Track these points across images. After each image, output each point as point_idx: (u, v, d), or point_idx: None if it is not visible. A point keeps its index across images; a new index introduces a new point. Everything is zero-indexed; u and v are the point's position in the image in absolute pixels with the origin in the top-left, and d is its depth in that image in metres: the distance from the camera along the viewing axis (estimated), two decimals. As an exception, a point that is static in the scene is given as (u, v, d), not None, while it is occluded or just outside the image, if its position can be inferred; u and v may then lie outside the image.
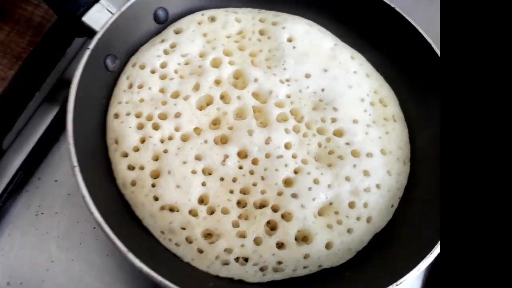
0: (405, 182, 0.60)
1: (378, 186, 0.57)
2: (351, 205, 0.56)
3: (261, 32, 0.66)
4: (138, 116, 0.58)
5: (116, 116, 0.58)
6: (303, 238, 0.54)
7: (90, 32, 0.60)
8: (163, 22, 0.65)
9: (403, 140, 0.62)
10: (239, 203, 0.55)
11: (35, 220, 0.65)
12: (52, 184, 0.67)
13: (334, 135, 0.59)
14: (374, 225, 0.56)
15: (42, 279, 0.61)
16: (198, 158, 0.56)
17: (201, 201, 0.54)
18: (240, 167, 0.56)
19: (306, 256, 0.53)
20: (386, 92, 0.65)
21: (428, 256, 0.49)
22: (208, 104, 0.60)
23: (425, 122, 0.63)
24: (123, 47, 0.62)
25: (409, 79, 0.66)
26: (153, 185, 0.54)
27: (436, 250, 0.49)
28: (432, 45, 0.62)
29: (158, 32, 0.65)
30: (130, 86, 0.60)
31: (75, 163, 0.49)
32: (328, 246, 0.54)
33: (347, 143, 0.59)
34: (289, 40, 0.65)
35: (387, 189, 0.58)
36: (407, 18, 0.64)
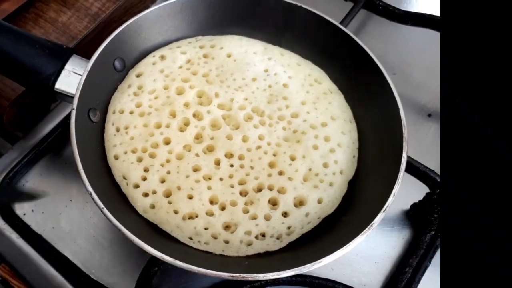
0: (356, 136, 0.68)
1: (339, 145, 0.65)
2: (325, 165, 0.63)
3: (205, 56, 0.71)
4: (134, 151, 0.61)
5: (116, 157, 0.61)
6: (299, 203, 0.61)
7: (65, 96, 0.62)
8: (122, 70, 0.68)
9: (343, 105, 0.70)
10: (241, 193, 0.60)
11: (63, 167, 0.73)
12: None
13: (292, 117, 0.66)
14: (346, 174, 0.64)
15: (60, 212, 0.69)
16: (196, 169, 0.60)
17: (212, 202, 0.59)
18: (231, 165, 0.61)
19: (307, 215, 0.60)
20: (317, 73, 0.72)
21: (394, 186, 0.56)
22: (186, 125, 0.64)
23: (348, 88, 0.71)
24: (98, 99, 0.64)
25: (327, 58, 0.73)
26: (169, 202, 0.58)
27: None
28: (338, 26, 0.70)
29: (121, 79, 0.68)
30: (118, 130, 0.63)
31: (101, 205, 0.52)
32: (319, 201, 0.61)
33: (304, 120, 0.66)
34: (229, 56, 0.71)
35: (346, 145, 0.65)
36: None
